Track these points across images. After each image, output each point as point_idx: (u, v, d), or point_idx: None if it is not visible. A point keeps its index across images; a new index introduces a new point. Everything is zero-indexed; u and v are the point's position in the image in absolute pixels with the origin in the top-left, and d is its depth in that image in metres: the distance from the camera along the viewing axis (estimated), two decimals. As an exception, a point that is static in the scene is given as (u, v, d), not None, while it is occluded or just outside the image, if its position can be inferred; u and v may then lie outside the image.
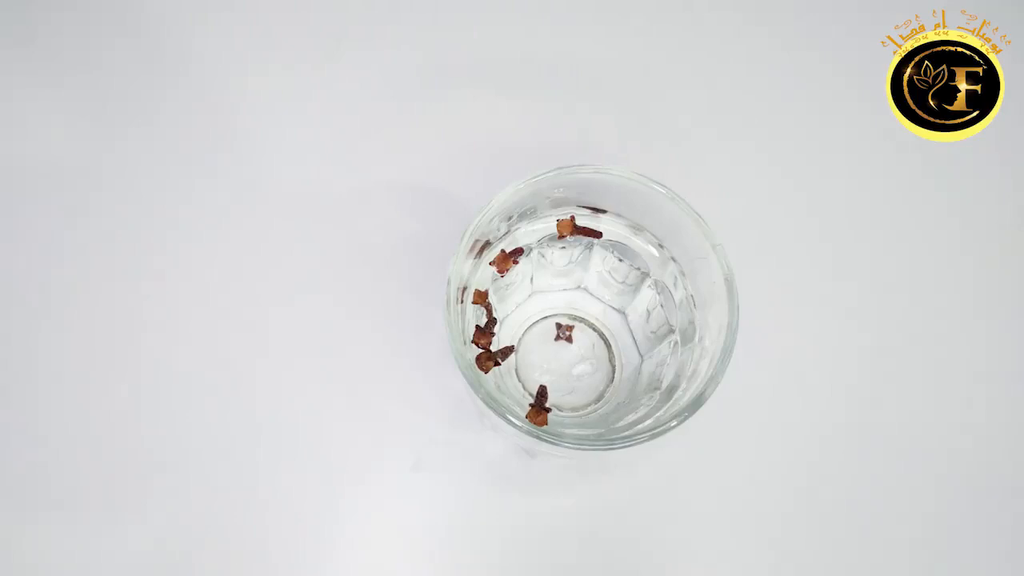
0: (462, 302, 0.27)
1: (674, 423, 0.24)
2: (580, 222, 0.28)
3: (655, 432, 0.24)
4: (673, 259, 0.28)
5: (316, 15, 0.39)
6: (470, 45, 0.38)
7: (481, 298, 0.28)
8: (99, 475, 0.32)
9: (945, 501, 0.33)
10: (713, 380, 0.24)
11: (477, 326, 0.28)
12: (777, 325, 0.34)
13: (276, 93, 0.37)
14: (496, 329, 0.29)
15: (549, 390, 0.29)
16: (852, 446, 0.33)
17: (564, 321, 0.32)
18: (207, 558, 0.32)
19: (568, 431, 0.24)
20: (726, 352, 0.24)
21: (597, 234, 0.29)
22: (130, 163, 0.36)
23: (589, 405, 0.31)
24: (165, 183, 0.36)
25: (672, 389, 0.27)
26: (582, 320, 0.32)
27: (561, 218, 0.28)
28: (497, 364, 0.28)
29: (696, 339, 0.27)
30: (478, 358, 0.27)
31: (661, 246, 0.28)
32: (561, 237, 0.29)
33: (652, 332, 0.30)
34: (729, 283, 0.25)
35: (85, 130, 0.37)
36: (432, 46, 0.38)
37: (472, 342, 0.28)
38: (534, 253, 0.30)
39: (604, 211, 0.28)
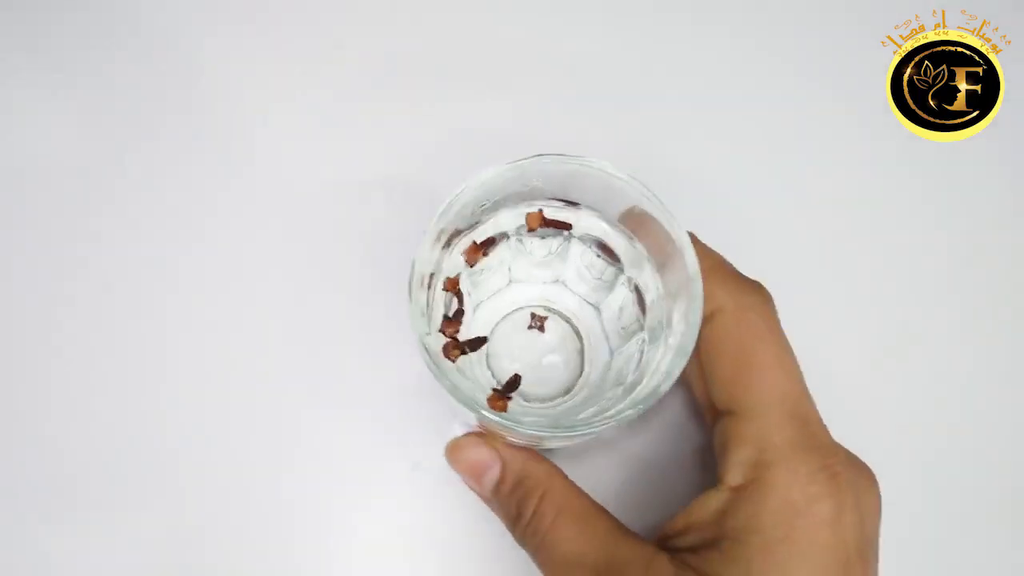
0: (430, 287, 0.27)
1: (631, 412, 0.24)
2: (551, 215, 0.28)
3: (613, 418, 0.24)
4: (647, 257, 0.28)
5: (311, 14, 0.39)
6: (467, 44, 0.38)
7: (452, 285, 0.28)
8: (99, 475, 0.32)
9: (945, 501, 0.33)
10: (669, 376, 0.24)
11: (445, 315, 0.28)
12: (777, 325, 0.34)
13: (272, 93, 0.37)
14: (467, 318, 0.29)
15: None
16: (852, 446, 0.33)
17: (539, 312, 0.32)
18: (207, 558, 0.32)
19: (528, 419, 0.24)
20: (682, 350, 0.24)
21: (567, 226, 0.28)
22: (130, 163, 0.36)
23: (558, 397, 0.31)
24: (165, 183, 0.36)
25: (634, 385, 0.27)
26: (557, 313, 0.32)
27: (530, 211, 0.28)
28: (464, 352, 0.28)
29: (663, 338, 0.27)
30: (445, 347, 0.27)
31: (635, 243, 0.28)
32: (531, 231, 0.28)
33: (623, 328, 0.30)
34: (693, 282, 0.25)
35: (84, 131, 0.37)
36: (428, 44, 0.38)
37: (440, 331, 0.28)
38: (512, 240, 0.29)
39: (577, 204, 0.28)
